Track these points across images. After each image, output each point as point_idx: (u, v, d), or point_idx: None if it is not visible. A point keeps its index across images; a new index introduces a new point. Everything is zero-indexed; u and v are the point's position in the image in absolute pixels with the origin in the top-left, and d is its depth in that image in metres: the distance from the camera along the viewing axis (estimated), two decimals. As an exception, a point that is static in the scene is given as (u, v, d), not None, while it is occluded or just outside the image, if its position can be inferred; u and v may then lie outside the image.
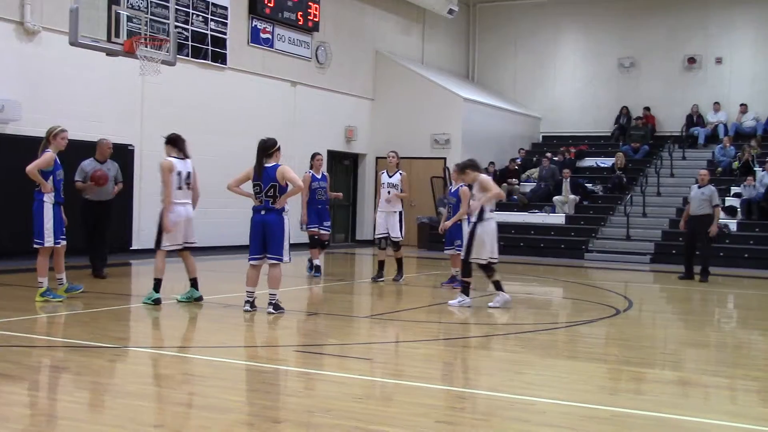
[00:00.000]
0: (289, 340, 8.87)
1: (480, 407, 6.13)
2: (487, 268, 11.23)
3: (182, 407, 5.89)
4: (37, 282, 10.39)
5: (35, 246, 10.37)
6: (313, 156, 14.51)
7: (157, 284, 10.37)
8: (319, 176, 14.25)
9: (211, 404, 5.89)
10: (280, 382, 6.89)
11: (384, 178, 14.04)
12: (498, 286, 11.28)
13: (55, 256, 10.53)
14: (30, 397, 5.92)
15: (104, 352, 7.58)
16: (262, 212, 9.83)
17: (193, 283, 10.64)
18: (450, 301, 11.33)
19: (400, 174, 13.92)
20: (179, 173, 10.33)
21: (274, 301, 9.96)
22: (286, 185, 9.81)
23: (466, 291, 11.22)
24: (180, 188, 10.32)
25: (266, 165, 9.86)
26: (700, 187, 16.00)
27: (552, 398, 6.29)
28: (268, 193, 9.79)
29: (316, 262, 14.42)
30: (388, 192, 13.86)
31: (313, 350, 8.14)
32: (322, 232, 14.25)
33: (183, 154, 10.51)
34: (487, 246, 11.04)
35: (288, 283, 13.67)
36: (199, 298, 10.60)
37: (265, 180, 9.79)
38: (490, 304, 11.22)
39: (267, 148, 9.96)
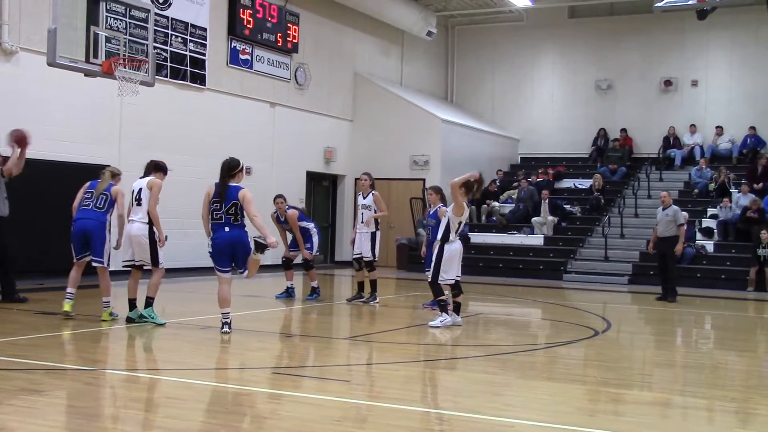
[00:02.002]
0: (268, 362, 8.82)
1: (459, 429, 6.11)
2: (455, 287, 11.26)
3: (160, 431, 5.83)
4: (104, 301, 10.67)
5: (98, 264, 10.65)
6: (274, 199, 14.33)
7: (130, 303, 10.58)
8: (282, 219, 14.18)
9: (188, 427, 5.84)
10: (259, 404, 6.85)
11: (360, 200, 14.11)
12: (456, 309, 11.31)
13: (77, 271, 10.76)
14: (5, 420, 5.84)
15: (80, 375, 7.51)
16: (226, 229, 9.75)
17: (132, 303, 10.59)
18: (430, 322, 11.31)
19: (373, 194, 13.94)
20: (132, 191, 10.66)
21: (228, 320, 9.97)
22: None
23: (444, 309, 11.23)
24: (132, 205, 10.59)
25: (230, 184, 9.83)
26: (664, 209, 16.14)
27: (531, 420, 6.28)
28: (230, 211, 9.74)
29: (289, 283, 14.40)
30: (362, 214, 13.92)
31: (292, 372, 8.10)
32: (294, 252, 14.26)
33: (144, 173, 10.82)
34: (454, 266, 11.10)
35: (265, 304, 13.63)
36: (129, 319, 10.53)
37: (228, 198, 9.73)
38: (431, 323, 11.24)
39: (231, 168, 9.91)
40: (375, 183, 14.29)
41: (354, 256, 14.18)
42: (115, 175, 10.89)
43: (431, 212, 12.95)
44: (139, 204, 10.48)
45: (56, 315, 11.01)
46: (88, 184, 10.81)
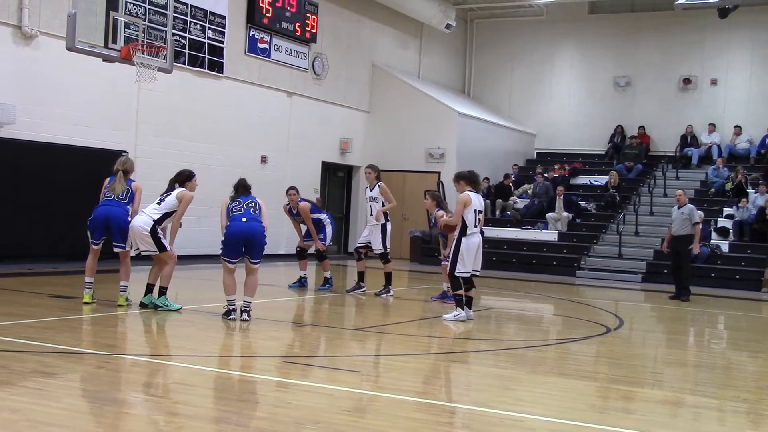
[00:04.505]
0: (279, 351, 8.85)
1: (469, 422, 6.11)
2: (468, 282, 11.21)
3: (170, 416, 5.86)
4: (122, 285, 10.63)
5: (120, 250, 10.58)
6: (287, 191, 14.33)
7: (147, 288, 10.66)
8: (294, 211, 14.22)
9: (198, 414, 5.87)
10: (269, 392, 6.87)
11: (367, 193, 14.09)
12: (468, 303, 11.27)
13: (93, 259, 10.67)
14: (17, 402, 5.88)
15: (93, 359, 7.55)
16: (244, 219, 10.01)
17: (149, 288, 10.69)
18: (444, 315, 11.31)
19: (379, 186, 13.90)
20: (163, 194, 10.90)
21: (249, 309, 10.09)
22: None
23: (460, 304, 11.19)
24: (152, 202, 10.76)
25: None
26: (679, 207, 16.06)
27: (541, 415, 6.27)
28: (249, 205, 10.14)
29: (302, 273, 14.42)
30: (370, 207, 13.89)
31: (302, 361, 8.12)
32: (308, 243, 14.34)
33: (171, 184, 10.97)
34: (471, 259, 11.05)
35: (278, 293, 13.67)
36: (142, 304, 10.62)
37: (247, 198, 10.24)
38: (446, 316, 11.24)
39: (249, 187, 10.46)
40: (381, 175, 14.22)
41: (356, 246, 14.19)
42: (128, 173, 10.78)
43: (433, 220, 12.95)
44: (159, 204, 10.49)
45: (70, 298, 11.08)
46: (107, 180, 10.81)
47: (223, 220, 10.18)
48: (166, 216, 10.44)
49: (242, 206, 10.09)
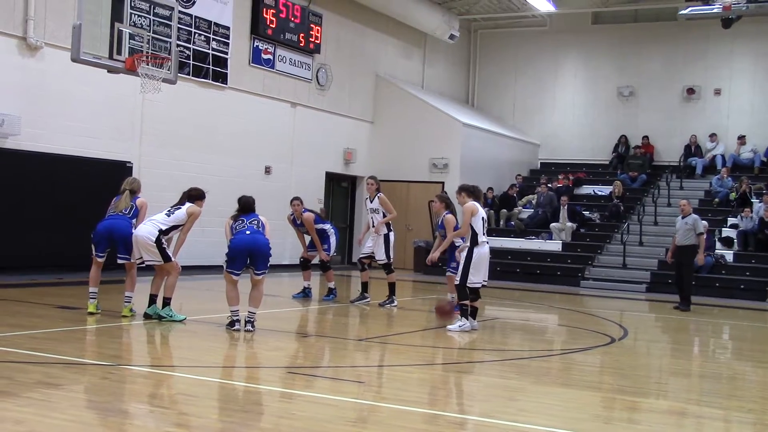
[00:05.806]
0: (283, 362, 8.84)
1: (473, 433, 6.10)
2: (474, 292, 11.20)
3: (174, 427, 5.85)
4: (126, 296, 10.66)
5: (124, 261, 10.60)
6: (291, 201, 14.40)
7: (150, 299, 10.66)
8: (298, 222, 14.24)
9: (203, 425, 5.86)
10: (273, 403, 6.86)
11: (367, 204, 14.11)
12: (473, 313, 11.24)
13: (97, 270, 10.70)
14: (22, 413, 5.88)
15: (97, 370, 7.55)
16: (248, 232, 10.06)
17: (152, 299, 10.69)
18: (449, 326, 11.28)
19: (379, 197, 13.90)
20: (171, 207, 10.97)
21: (253, 319, 10.09)
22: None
23: (465, 314, 11.17)
24: (159, 212, 10.80)
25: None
26: (683, 217, 16.03)
27: (546, 425, 6.26)
28: (252, 222, 10.21)
29: (306, 283, 14.42)
30: (372, 218, 13.91)
31: (306, 372, 8.11)
32: (312, 253, 14.35)
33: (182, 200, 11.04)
34: (481, 270, 11.04)
35: (282, 304, 13.67)
36: (146, 315, 10.61)
37: (250, 216, 10.30)
38: (450, 326, 11.22)
39: (253, 204, 10.50)
40: (381, 186, 14.22)
41: (360, 256, 14.22)
42: (134, 192, 10.85)
43: (439, 222, 12.93)
44: (168, 215, 10.55)
45: (75, 309, 11.09)
46: (114, 198, 10.85)
47: (228, 238, 10.21)
48: (173, 228, 10.50)
49: (245, 224, 10.14)
